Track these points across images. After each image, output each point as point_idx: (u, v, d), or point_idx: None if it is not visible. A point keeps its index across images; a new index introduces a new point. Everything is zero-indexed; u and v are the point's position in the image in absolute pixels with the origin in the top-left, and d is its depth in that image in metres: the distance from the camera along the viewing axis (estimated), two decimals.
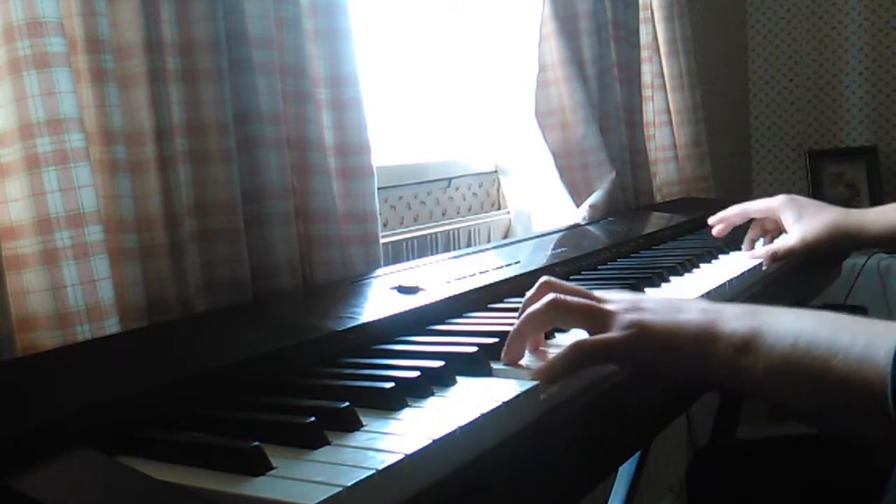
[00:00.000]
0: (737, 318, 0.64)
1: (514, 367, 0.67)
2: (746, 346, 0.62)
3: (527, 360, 0.69)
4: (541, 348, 0.71)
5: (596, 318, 0.68)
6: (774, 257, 1.13)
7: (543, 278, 0.73)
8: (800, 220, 1.15)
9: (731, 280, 1.02)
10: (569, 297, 0.69)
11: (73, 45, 0.79)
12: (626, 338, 0.66)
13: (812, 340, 0.59)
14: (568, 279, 1.04)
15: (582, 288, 0.73)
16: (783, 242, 1.15)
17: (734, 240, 1.27)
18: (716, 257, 1.18)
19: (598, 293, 0.72)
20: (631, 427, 0.74)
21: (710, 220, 1.27)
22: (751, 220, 1.26)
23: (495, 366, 0.67)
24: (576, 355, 0.65)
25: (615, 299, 0.70)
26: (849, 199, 2.87)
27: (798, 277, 1.24)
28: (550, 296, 0.69)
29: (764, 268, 1.12)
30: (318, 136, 1.02)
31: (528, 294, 0.72)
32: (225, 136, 0.89)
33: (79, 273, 0.75)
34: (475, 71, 1.68)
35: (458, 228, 1.52)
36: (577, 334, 0.73)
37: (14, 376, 0.64)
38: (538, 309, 0.68)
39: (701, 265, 1.13)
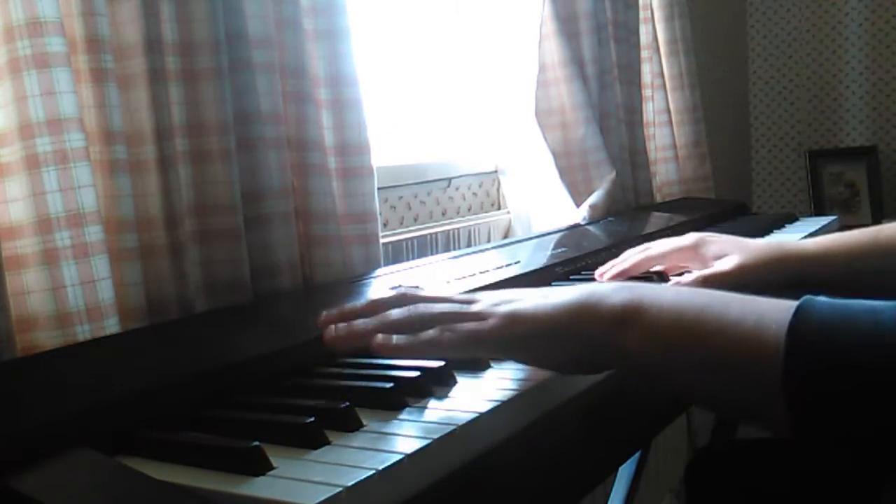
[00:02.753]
0: (614, 293, 0.60)
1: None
2: (626, 318, 0.58)
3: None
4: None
5: (461, 316, 0.63)
6: (706, 283, 0.96)
7: (399, 292, 0.68)
8: (729, 250, 0.99)
9: None
10: (431, 305, 0.64)
11: (73, 45, 0.79)
12: (495, 326, 0.61)
13: (698, 315, 0.56)
14: (568, 279, 1.04)
15: (447, 295, 0.67)
16: (717, 268, 0.98)
17: None
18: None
19: (467, 296, 0.67)
20: (631, 427, 0.74)
21: (604, 274, 1.04)
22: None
23: (495, 366, 0.67)
24: (441, 345, 0.61)
25: (484, 297, 0.65)
26: (849, 199, 2.87)
27: None
28: (414, 306, 0.64)
29: None
30: (318, 136, 1.02)
31: (381, 299, 0.67)
32: (225, 136, 0.89)
33: (79, 273, 0.75)
34: (475, 71, 1.69)
35: (458, 228, 1.52)
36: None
37: (14, 376, 0.64)
38: (400, 318, 0.63)
39: (683, 276, 1.11)
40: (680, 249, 1.03)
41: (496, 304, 0.63)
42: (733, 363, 0.55)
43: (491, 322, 0.61)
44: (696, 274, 0.97)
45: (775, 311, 0.54)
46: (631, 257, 1.04)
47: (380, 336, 0.61)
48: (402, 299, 0.66)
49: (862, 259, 0.95)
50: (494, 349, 0.63)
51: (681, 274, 1.03)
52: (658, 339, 0.58)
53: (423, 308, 0.64)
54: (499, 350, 0.63)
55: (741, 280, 0.96)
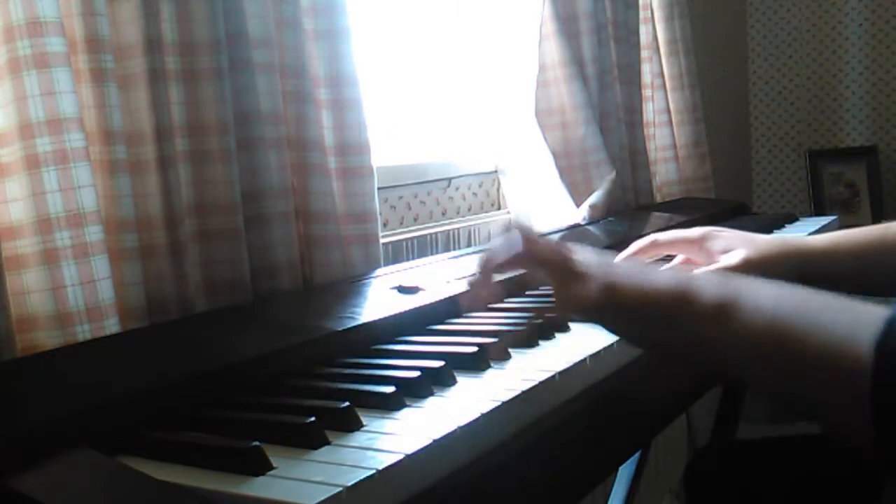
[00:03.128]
0: (711, 285, 0.61)
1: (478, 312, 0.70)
2: (721, 313, 0.59)
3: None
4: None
5: (565, 274, 0.67)
6: None
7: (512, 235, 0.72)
8: (735, 245, 0.99)
9: None
10: (541, 243, 0.69)
11: (73, 45, 0.79)
12: (596, 297, 0.64)
13: (792, 317, 0.56)
14: None
15: (557, 242, 0.72)
16: (722, 263, 0.97)
17: None
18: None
19: (569, 250, 0.70)
20: (631, 427, 0.74)
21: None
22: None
23: (494, 366, 0.67)
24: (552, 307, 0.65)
25: (586, 258, 0.68)
26: (849, 199, 2.87)
27: None
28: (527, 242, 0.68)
29: None
30: (318, 136, 1.02)
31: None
32: (225, 136, 0.89)
33: (79, 273, 0.75)
34: (475, 71, 1.69)
35: (458, 228, 1.52)
36: (579, 334, 0.72)
37: (14, 376, 0.64)
38: (515, 249, 0.68)
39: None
40: (687, 241, 1.04)
41: (597, 269, 0.66)
42: (823, 370, 0.54)
43: (591, 291, 0.64)
44: (702, 270, 0.96)
45: (870, 318, 0.54)
46: (638, 245, 1.05)
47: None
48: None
49: (869, 256, 0.95)
50: (590, 318, 0.67)
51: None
52: (750, 340, 0.58)
53: (533, 242, 0.68)
54: (594, 320, 0.67)
55: (746, 275, 0.95)
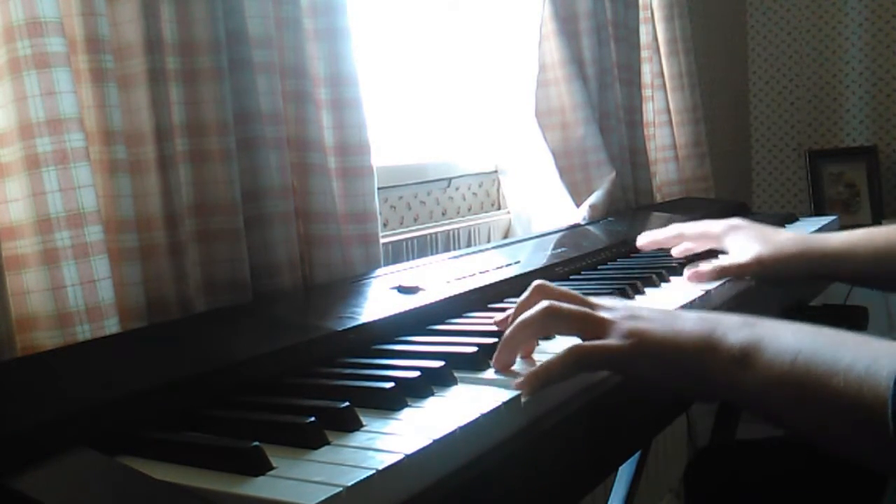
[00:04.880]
0: (735, 330, 0.64)
1: (506, 373, 0.66)
2: (745, 358, 0.62)
3: (520, 365, 0.67)
4: (532, 356, 0.69)
5: (592, 326, 0.67)
6: (722, 274, 0.98)
7: (537, 282, 0.72)
8: (752, 242, 1.02)
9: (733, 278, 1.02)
10: (564, 304, 0.68)
11: (73, 45, 0.79)
12: (625, 346, 0.65)
13: (812, 357, 0.59)
14: (568, 279, 1.04)
15: (576, 293, 0.72)
16: (735, 259, 1.00)
17: None
18: (716, 256, 1.18)
19: (592, 299, 0.71)
20: (631, 427, 0.74)
21: (639, 242, 1.17)
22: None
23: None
24: (571, 360, 0.64)
25: (610, 306, 0.69)
26: (849, 199, 2.87)
27: None
28: (545, 303, 0.67)
29: (707, 288, 0.96)
30: (318, 136, 1.02)
31: (521, 298, 0.71)
32: (225, 136, 0.89)
33: (79, 273, 0.75)
34: (475, 71, 1.69)
35: (458, 228, 1.52)
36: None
37: (14, 376, 0.64)
38: (532, 316, 0.67)
39: (700, 264, 1.12)
40: (710, 237, 1.08)
41: (624, 319, 0.66)
42: (846, 405, 0.56)
43: (620, 341, 0.65)
44: (713, 265, 0.99)
45: (887, 352, 0.56)
46: (664, 234, 1.11)
47: (519, 380, 0.62)
48: (537, 292, 0.70)
49: (888, 258, 0.97)
50: (619, 368, 0.67)
51: (695, 260, 1.07)
52: (774, 382, 0.60)
53: (555, 306, 0.67)
54: (623, 370, 0.67)
55: (758, 272, 1.00)
